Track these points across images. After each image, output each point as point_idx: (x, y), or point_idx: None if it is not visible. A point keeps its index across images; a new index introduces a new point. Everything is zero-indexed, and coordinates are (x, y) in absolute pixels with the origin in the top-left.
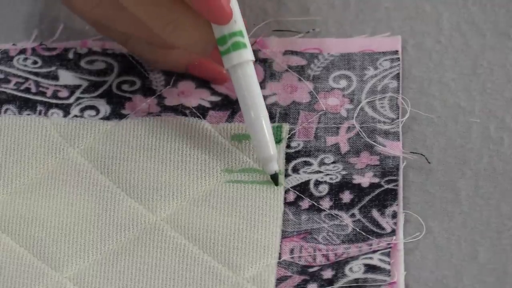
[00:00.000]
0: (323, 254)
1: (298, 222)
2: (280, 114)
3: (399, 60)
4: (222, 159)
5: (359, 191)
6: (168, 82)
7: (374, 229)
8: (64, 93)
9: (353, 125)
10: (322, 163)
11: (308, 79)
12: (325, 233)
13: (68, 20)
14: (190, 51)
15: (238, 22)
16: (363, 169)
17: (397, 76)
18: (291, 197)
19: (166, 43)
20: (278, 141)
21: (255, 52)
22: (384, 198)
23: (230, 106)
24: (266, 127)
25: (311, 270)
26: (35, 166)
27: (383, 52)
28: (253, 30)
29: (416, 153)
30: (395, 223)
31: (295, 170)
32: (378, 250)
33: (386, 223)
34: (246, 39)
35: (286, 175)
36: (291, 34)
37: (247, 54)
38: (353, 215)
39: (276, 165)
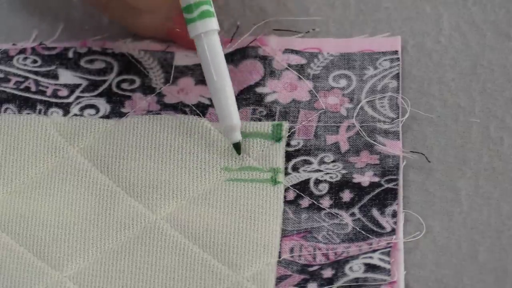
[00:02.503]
0: (323, 253)
1: (298, 221)
2: (280, 112)
3: (399, 60)
4: (222, 158)
5: (359, 190)
6: (168, 79)
7: (374, 228)
8: (64, 92)
9: (353, 124)
10: (322, 162)
11: (307, 78)
12: (325, 232)
13: (68, 20)
14: (153, 15)
15: None
16: (363, 168)
17: (397, 76)
18: (291, 195)
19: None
20: (278, 139)
21: (255, 49)
22: (384, 197)
23: None
24: (229, 96)
25: (311, 269)
26: (35, 165)
27: (383, 52)
28: (252, 29)
29: (416, 152)
30: (395, 223)
31: (295, 168)
32: (378, 250)
33: (386, 222)
34: (212, 8)
35: (286, 174)
36: (291, 34)
37: (213, 24)
38: (353, 214)
39: (239, 134)
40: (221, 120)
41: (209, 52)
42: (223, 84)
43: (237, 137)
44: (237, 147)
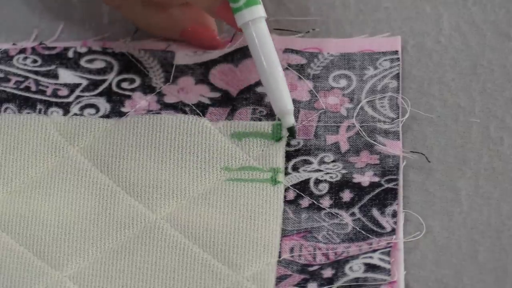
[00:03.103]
0: (323, 253)
1: (298, 221)
2: None
3: (399, 60)
4: (222, 157)
5: (359, 190)
6: (168, 79)
7: (374, 228)
8: (64, 91)
9: (353, 124)
10: (322, 162)
11: (308, 78)
12: (325, 232)
13: (68, 20)
14: (197, 6)
15: None
16: (363, 168)
17: (397, 76)
18: (291, 195)
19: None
20: (278, 138)
21: None
22: (384, 197)
23: (230, 102)
24: (281, 81)
25: (311, 269)
26: (35, 165)
27: (383, 52)
28: None
29: (416, 152)
30: (395, 222)
31: (295, 168)
32: (378, 249)
33: (386, 222)
34: None
35: (286, 173)
36: (291, 34)
37: (259, 11)
38: (353, 214)
39: (293, 118)
40: (274, 105)
41: (258, 39)
42: (274, 70)
43: (291, 121)
44: (291, 130)
